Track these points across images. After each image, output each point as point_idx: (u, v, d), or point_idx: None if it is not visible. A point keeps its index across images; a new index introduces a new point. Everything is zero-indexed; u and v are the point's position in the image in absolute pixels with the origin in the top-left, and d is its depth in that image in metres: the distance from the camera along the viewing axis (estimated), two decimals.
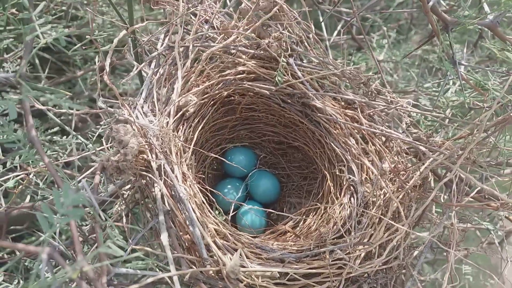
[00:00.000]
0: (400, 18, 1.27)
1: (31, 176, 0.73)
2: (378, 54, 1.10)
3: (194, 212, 0.52)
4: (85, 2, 1.07)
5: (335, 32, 0.98)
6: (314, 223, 0.65)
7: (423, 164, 0.60)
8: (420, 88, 0.92)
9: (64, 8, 1.06)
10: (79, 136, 0.74)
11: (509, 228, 0.92)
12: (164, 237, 0.47)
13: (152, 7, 0.71)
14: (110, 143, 0.53)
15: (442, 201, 0.69)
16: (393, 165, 0.63)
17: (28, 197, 0.81)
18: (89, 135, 0.77)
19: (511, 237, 1.01)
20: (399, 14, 1.22)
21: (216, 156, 0.66)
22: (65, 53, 1.17)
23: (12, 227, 0.83)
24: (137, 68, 0.67)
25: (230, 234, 0.55)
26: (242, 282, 0.49)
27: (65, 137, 0.77)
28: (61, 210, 0.31)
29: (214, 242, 0.51)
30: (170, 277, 0.46)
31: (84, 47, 0.93)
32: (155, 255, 0.48)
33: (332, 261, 0.54)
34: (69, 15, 1.06)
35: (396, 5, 1.17)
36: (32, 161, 0.69)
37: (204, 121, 0.67)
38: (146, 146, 0.55)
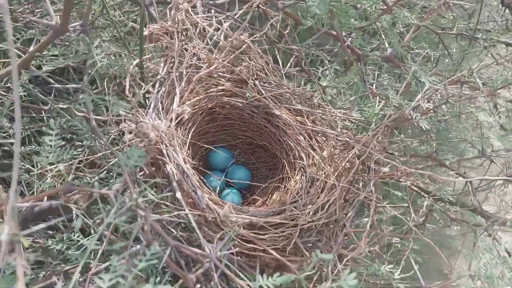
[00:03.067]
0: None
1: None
2: (323, 81, 1.41)
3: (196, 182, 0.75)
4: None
5: (288, 65, 1.27)
6: (278, 196, 0.89)
7: (351, 150, 0.88)
8: (353, 105, 1.22)
9: (67, 43, 1.29)
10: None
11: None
12: (179, 194, 0.70)
13: (154, 43, 0.96)
14: (136, 137, 0.76)
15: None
16: (330, 153, 0.90)
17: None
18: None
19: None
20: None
21: (208, 146, 0.90)
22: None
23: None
24: (145, 88, 0.91)
25: (220, 200, 0.78)
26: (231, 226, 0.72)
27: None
28: (132, 160, 0.54)
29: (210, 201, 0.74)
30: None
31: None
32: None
33: (289, 215, 0.79)
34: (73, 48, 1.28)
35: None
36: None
37: (195, 126, 0.91)
38: (158, 139, 0.78)
